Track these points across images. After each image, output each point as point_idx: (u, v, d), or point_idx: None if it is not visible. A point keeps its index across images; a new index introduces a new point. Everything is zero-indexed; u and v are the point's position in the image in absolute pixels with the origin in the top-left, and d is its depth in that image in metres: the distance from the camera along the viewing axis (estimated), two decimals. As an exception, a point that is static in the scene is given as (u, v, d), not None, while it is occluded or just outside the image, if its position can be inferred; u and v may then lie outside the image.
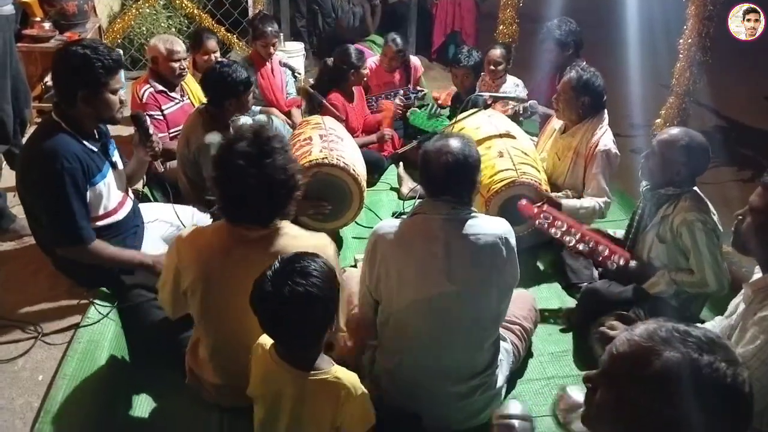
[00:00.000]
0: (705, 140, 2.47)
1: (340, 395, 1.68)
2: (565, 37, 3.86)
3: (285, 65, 4.48)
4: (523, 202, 2.79)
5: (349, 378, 1.72)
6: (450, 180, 2.03)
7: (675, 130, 2.54)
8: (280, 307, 1.58)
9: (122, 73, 3.75)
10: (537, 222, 2.67)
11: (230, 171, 1.86)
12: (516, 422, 2.14)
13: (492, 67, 4.33)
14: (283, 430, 1.73)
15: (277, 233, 1.94)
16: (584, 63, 3.27)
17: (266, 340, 1.75)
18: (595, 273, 2.99)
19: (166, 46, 3.51)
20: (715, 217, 2.46)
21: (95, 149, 2.43)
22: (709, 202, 2.49)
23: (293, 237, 1.96)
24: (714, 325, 2.09)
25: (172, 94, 3.63)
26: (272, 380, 1.71)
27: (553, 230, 2.63)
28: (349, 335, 2.30)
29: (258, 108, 4.21)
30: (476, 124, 3.42)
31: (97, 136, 2.48)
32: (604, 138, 3.12)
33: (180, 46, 3.56)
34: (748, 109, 5.80)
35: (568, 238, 2.59)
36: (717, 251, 2.43)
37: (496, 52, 4.37)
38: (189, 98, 3.73)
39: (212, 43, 4.07)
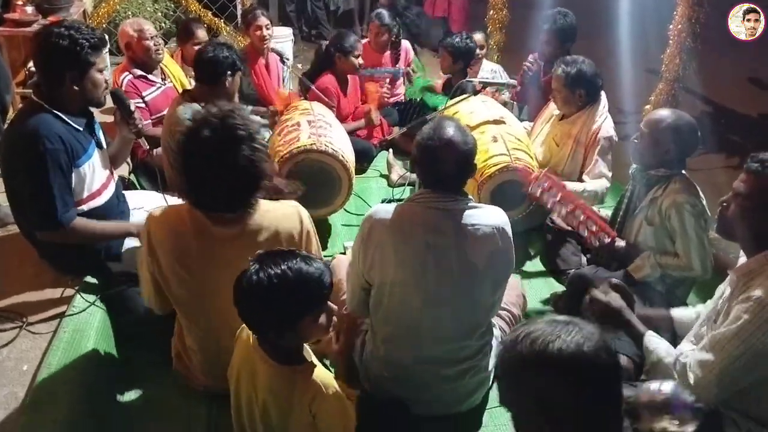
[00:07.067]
0: (693, 120, 2.48)
1: (310, 391, 1.67)
2: (566, 30, 3.81)
3: (273, 50, 4.41)
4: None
5: (322, 376, 1.71)
6: (451, 171, 2.00)
7: (663, 111, 2.57)
8: (251, 293, 1.57)
9: (107, 54, 3.69)
10: (532, 186, 2.65)
11: (193, 158, 1.83)
12: None
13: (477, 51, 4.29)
14: (258, 419, 1.73)
15: (249, 211, 1.92)
16: (568, 56, 3.25)
17: None
18: (584, 259, 2.99)
19: (135, 27, 3.46)
20: (704, 202, 2.47)
21: (80, 128, 2.37)
22: (698, 187, 2.50)
23: (266, 211, 1.95)
24: (701, 310, 2.10)
25: (152, 78, 3.54)
26: (249, 369, 1.71)
27: (546, 196, 2.61)
28: (336, 336, 2.28)
29: (250, 108, 4.15)
30: (470, 108, 3.42)
31: (83, 115, 2.41)
32: (605, 125, 3.16)
33: (148, 25, 3.52)
34: (735, 93, 5.82)
35: (559, 208, 2.57)
36: (704, 235, 2.43)
37: (477, 36, 4.34)
38: (171, 81, 3.66)
39: (202, 32, 4.01)
